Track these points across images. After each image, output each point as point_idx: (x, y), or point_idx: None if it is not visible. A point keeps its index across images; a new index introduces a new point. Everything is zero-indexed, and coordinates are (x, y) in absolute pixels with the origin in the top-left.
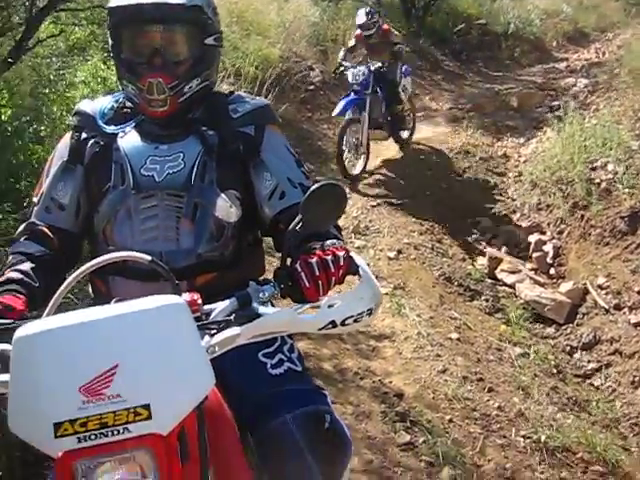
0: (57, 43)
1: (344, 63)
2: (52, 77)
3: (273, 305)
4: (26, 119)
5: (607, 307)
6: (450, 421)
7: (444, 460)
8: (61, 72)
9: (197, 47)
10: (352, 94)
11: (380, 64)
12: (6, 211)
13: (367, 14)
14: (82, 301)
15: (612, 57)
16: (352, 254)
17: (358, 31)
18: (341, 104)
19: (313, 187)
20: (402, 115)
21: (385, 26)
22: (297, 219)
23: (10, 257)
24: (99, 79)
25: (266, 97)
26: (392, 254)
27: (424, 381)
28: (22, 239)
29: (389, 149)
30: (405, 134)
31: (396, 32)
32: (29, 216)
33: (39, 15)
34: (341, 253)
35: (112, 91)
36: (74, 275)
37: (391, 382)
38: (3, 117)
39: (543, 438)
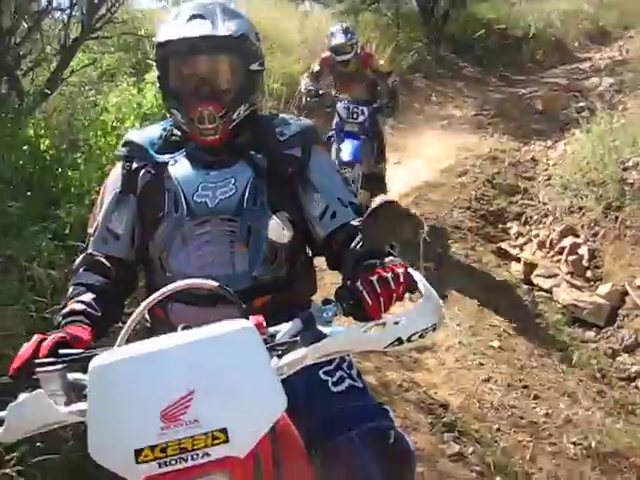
0: (88, 71)
1: (322, 91)
2: (86, 105)
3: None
4: (63, 147)
5: None
6: (498, 430)
7: (495, 470)
8: (93, 99)
9: (244, 74)
10: (345, 135)
11: (377, 103)
12: (48, 238)
13: (345, 32)
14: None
15: (636, 55)
16: (410, 270)
17: (326, 53)
18: (349, 148)
19: (372, 207)
20: (382, 176)
21: (367, 51)
22: (358, 238)
23: (71, 288)
24: (134, 104)
25: (291, 113)
26: (427, 264)
27: (469, 391)
28: (81, 270)
29: (416, 157)
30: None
31: (381, 60)
32: (85, 247)
33: (73, 46)
34: (400, 270)
35: (146, 115)
36: (144, 305)
37: (436, 393)
38: (42, 146)
39: (593, 444)
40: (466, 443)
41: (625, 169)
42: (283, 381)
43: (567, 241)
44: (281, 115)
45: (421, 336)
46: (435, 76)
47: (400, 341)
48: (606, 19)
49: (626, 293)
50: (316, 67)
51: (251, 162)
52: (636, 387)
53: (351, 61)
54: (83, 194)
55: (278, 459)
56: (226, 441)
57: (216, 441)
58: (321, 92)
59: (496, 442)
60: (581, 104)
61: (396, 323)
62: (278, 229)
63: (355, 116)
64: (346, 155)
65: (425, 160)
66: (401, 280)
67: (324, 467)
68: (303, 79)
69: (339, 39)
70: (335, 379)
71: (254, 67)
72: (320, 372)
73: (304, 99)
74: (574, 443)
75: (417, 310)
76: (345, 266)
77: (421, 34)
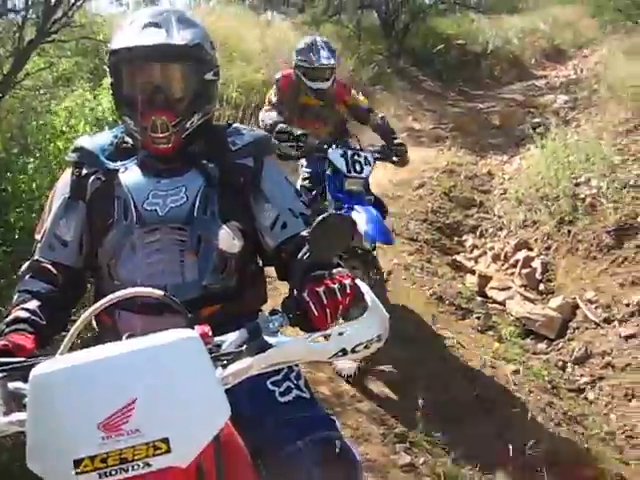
0: (44, 75)
1: (300, 131)
2: (39, 109)
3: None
4: (14, 151)
5: (597, 321)
6: (450, 441)
7: None
8: (48, 103)
9: (198, 83)
10: (349, 199)
11: (378, 147)
12: None
13: (331, 50)
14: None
15: (590, 73)
16: (358, 282)
17: (286, 71)
18: (362, 220)
19: (319, 218)
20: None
21: (341, 80)
22: (304, 249)
23: (16, 295)
24: (88, 110)
25: (249, 122)
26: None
27: (421, 402)
28: (27, 277)
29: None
30: None
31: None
32: (32, 254)
33: (27, 49)
34: (347, 281)
35: (99, 120)
36: (87, 313)
37: (388, 404)
38: None
39: (542, 454)
40: (417, 454)
41: (577, 185)
42: (229, 391)
43: (521, 254)
44: (234, 125)
45: (366, 347)
46: (395, 89)
47: (345, 352)
48: (561, 38)
49: (577, 306)
50: (273, 97)
51: (203, 171)
52: (585, 398)
53: (328, 92)
54: (34, 199)
55: (222, 469)
56: (168, 451)
57: (158, 451)
58: (299, 132)
59: (447, 453)
60: (536, 120)
61: (341, 334)
62: (228, 239)
63: (358, 168)
64: (367, 236)
65: (383, 172)
66: (348, 291)
67: (270, 477)
68: (262, 113)
69: (324, 60)
70: (282, 389)
71: (208, 76)
72: (267, 382)
73: (274, 138)
74: (523, 453)
75: (362, 321)
76: (293, 276)
77: (382, 47)
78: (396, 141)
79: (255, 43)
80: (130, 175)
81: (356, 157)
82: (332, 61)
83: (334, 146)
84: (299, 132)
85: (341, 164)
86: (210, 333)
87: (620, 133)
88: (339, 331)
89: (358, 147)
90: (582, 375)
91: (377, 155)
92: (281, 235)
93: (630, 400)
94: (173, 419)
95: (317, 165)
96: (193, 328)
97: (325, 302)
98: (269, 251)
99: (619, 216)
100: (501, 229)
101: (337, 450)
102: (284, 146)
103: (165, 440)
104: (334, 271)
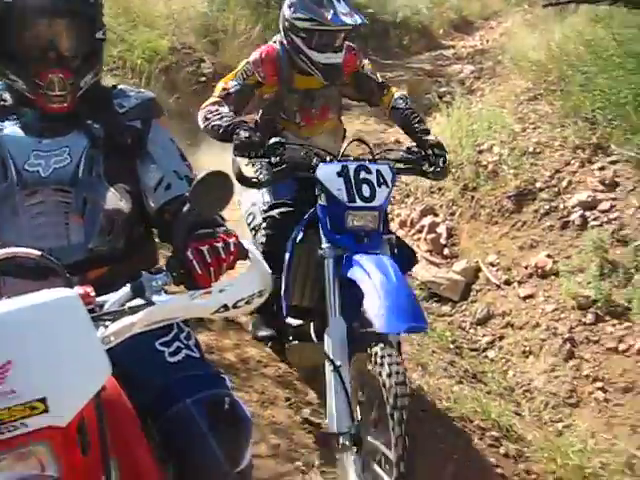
0: None
1: (275, 138)
2: None
3: (167, 293)
4: None
5: (498, 283)
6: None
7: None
8: None
9: (90, 41)
10: (352, 243)
11: (402, 151)
12: None
13: (347, 2)
14: None
15: (495, 44)
16: (241, 240)
17: (269, 46)
18: (372, 292)
19: (201, 175)
20: None
21: (348, 43)
22: (186, 207)
23: None
24: None
25: (154, 89)
26: None
27: None
28: None
29: None
30: None
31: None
32: None
33: None
34: (231, 240)
35: None
36: None
37: (294, 368)
38: None
39: (442, 410)
40: (322, 415)
41: (480, 152)
42: (116, 351)
43: (427, 220)
44: (120, 86)
45: (247, 302)
46: None
47: (226, 307)
48: (469, 10)
49: (479, 269)
50: (233, 82)
51: (87, 132)
52: (486, 357)
53: (339, 67)
54: None
55: (105, 427)
56: (45, 411)
57: (34, 411)
58: (272, 142)
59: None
60: (443, 89)
61: (222, 291)
62: (115, 200)
63: (367, 192)
64: (381, 318)
65: None
66: (231, 249)
67: (161, 436)
68: (206, 106)
69: (345, 17)
70: (172, 350)
71: (99, 35)
72: (156, 343)
73: (234, 151)
74: (424, 410)
75: (243, 278)
76: (176, 235)
77: None
78: (429, 137)
79: (160, 7)
80: (9, 134)
81: (363, 173)
82: (357, 19)
83: (332, 160)
84: (272, 141)
85: (338, 188)
86: (93, 293)
87: (521, 102)
88: (220, 288)
89: (369, 155)
90: (484, 335)
91: (399, 165)
92: (164, 196)
93: (527, 357)
94: (51, 379)
95: (295, 188)
96: (72, 288)
97: (209, 261)
98: (152, 212)
99: (519, 182)
100: (408, 196)
101: (226, 407)
102: (247, 167)
103: (42, 400)
104: (218, 230)
